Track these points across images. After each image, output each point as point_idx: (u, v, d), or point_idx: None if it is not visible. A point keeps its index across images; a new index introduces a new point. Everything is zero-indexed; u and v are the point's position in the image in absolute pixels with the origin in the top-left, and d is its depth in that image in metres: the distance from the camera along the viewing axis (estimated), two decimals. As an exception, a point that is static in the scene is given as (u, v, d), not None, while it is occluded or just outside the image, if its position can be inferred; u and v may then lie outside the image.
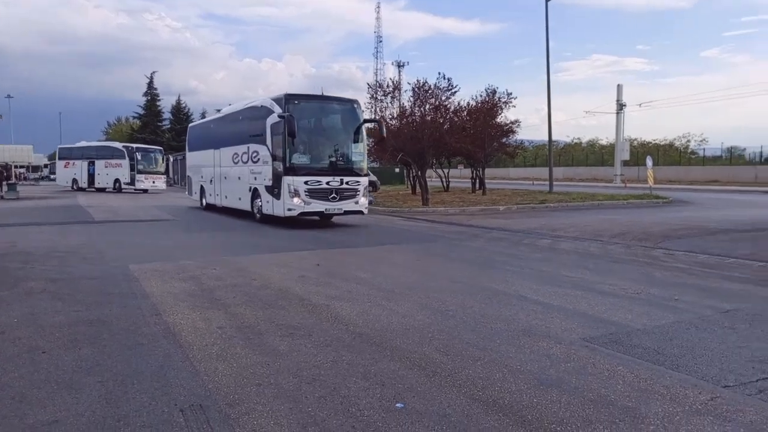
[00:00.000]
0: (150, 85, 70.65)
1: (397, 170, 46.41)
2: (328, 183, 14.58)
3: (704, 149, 58.77)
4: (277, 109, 14.66)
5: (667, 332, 5.31)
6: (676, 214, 19.20)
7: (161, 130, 71.52)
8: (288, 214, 14.51)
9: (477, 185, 30.83)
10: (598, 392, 3.85)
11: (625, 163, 48.62)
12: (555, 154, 36.74)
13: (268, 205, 15.34)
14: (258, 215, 16.26)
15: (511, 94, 27.72)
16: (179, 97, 74.05)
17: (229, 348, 4.79)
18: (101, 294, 6.85)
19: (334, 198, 14.62)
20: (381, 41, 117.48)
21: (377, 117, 27.58)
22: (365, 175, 15.64)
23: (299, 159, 14.59)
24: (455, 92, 23.82)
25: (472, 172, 31.97)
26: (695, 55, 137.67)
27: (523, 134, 31.05)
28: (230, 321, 5.65)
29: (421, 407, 3.62)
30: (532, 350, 4.77)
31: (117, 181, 37.87)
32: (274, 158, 14.88)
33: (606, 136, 69.98)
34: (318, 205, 14.54)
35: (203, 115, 79.41)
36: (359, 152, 15.49)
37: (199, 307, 6.23)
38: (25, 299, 6.55)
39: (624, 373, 4.21)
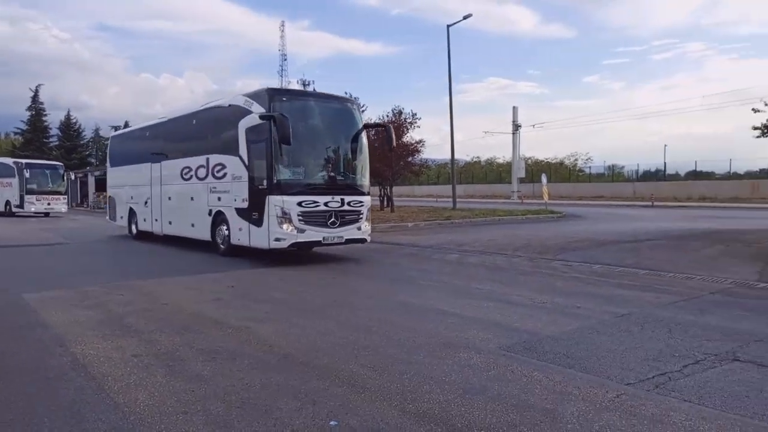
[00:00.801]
0: (35, 98, 65.66)
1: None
2: (326, 204, 11.28)
3: (590, 167, 63.68)
4: (257, 109, 11.27)
5: (573, 337, 5.72)
6: (569, 227, 20.61)
7: (48, 147, 66.44)
8: (275, 245, 11.02)
9: (385, 203, 31.35)
10: (519, 397, 4.09)
11: (522, 180, 51.50)
12: (457, 172, 38.24)
13: (242, 233, 11.79)
14: (223, 246, 12.62)
15: (416, 114, 28.67)
16: (69, 112, 69.01)
17: (148, 377, 4.59)
18: (-6, 327, 6.29)
19: (333, 223, 11.36)
20: (285, 59, 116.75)
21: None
22: (368, 194, 12.60)
23: (291, 174, 11.22)
24: (363, 111, 24.26)
25: (380, 190, 32.47)
26: (579, 80, 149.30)
27: (426, 153, 31.95)
28: (146, 348, 5.40)
29: (355, 423, 3.67)
30: (454, 361, 4.96)
31: (8, 203, 33.25)
32: (252, 173, 11.50)
33: (503, 155, 73.80)
34: (314, 233, 11.19)
35: (97, 132, 74.85)
36: (362, 164, 12.41)
37: (110, 335, 5.89)
38: None
39: (540, 378, 4.50)
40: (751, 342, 5.47)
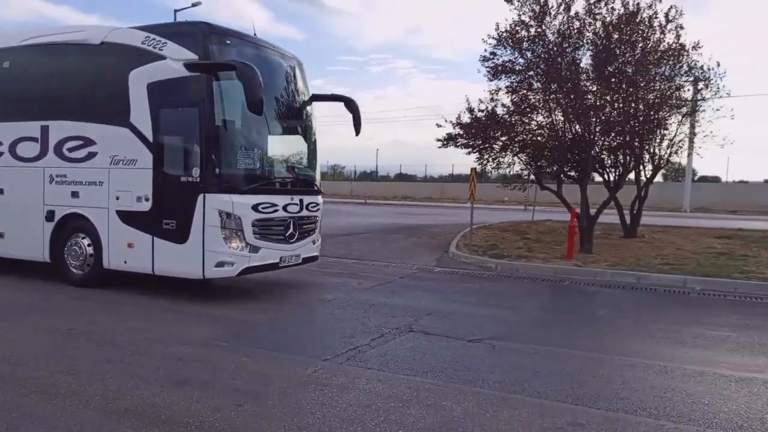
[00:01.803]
0: None
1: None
2: (285, 208, 7.61)
3: (313, 166, 67.16)
4: (178, 53, 7.09)
5: (281, 324, 6.19)
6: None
7: None
8: (216, 274, 7.02)
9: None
10: (226, 383, 4.31)
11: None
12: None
13: (135, 252, 7.35)
14: (78, 272, 7.92)
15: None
16: None
17: None
18: None
19: (291, 236, 7.71)
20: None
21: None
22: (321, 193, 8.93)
23: (244, 161, 7.32)
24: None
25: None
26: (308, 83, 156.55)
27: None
28: None
29: None
30: (163, 356, 4.94)
31: None
32: (165, 156, 7.24)
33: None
34: (272, 252, 7.41)
35: None
36: (315, 151, 8.78)
37: None
38: None
39: (248, 363, 4.80)
40: (423, 316, 6.66)
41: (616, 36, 11.74)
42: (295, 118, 8.41)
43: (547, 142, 12.58)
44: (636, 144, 12.74)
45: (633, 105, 12.18)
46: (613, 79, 11.81)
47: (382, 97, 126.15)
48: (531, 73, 12.52)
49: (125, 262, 7.47)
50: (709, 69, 12.91)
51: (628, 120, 11.88)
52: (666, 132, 13.76)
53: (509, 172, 14.46)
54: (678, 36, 12.31)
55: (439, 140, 13.53)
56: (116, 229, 7.48)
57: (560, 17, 12.01)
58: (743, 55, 74.58)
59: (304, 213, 7.99)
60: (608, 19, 11.78)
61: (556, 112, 12.52)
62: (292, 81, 8.35)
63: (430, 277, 9.77)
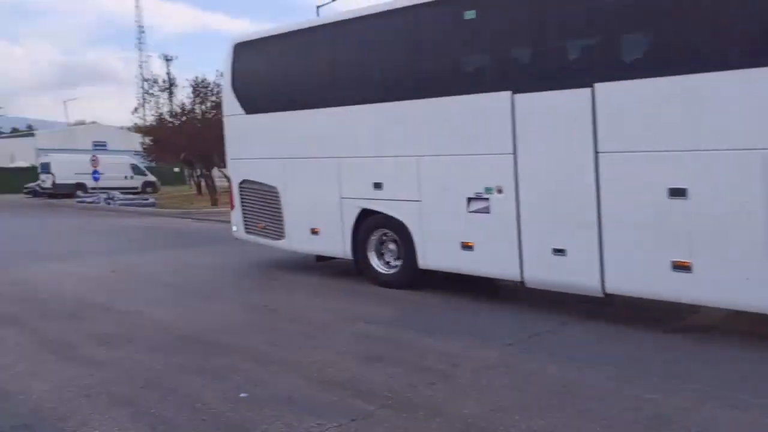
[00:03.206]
0: None
1: (176, 169, 43.86)
2: None
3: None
4: None
5: (453, 305, 6.27)
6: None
7: None
8: None
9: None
10: (415, 362, 4.47)
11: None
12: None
13: None
14: None
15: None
16: None
17: (37, 364, 4.40)
18: None
19: None
20: (143, 32, 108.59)
21: (154, 113, 26.00)
22: None
23: None
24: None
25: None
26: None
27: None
28: (29, 337, 5.12)
29: (265, 394, 3.84)
30: (353, 333, 5.26)
31: None
32: None
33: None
34: None
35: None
36: None
37: (-18, 325, 5.47)
38: None
39: (432, 343, 4.93)
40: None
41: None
42: None
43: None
44: None
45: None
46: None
47: None
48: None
49: None
50: None
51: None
52: None
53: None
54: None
55: None
56: None
57: None
58: None
59: None
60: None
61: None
62: None
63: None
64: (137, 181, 32.05)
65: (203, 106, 22.36)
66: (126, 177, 31.46)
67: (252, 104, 7.95)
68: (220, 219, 17.66)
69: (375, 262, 7.03)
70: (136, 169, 32.74)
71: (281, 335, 5.21)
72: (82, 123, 60.75)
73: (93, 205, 23.26)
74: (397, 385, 3.97)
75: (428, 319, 5.74)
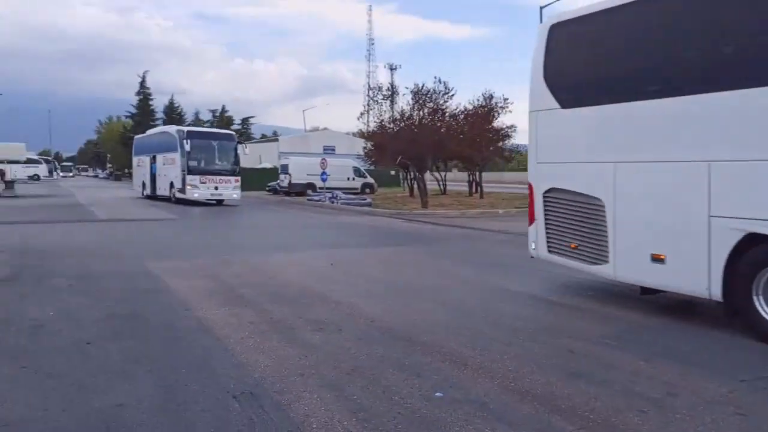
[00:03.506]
0: (142, 84, 70.75)
1: (392, 173, 46.67)
2: None
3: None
4: None
5: (673, 329, 5.56)
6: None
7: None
8: None
9: (474, 189, 31.13)
10: (623, 384, 4.08)
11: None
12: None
13: None
14: None
15: (507, 99, 28.11)
16: (172, 96, 73.86)
17: (265, 341, 4.99)
18: (126, 290, 7.02)
19: None
20: (373, 44, 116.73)
21: (376, 119, 27.98)
22: None
23: None
24: (452, 95, 24.23)
25: (469, 176, 32.26)
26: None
27: (517, 138, 31.07)
28: (260, 317, 5.84)
29: (460, 396, 3.84)
30: (554, 346, 5.00)
31: (172, 185, 25.16)
32: None
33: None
34: None
35: (197, 116, 79.19)
36: None
37: (225, 303, 6.42)
38: (53, 295, 6.71)
39: (645, 368, 4.45)
40: None
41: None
42: None
43: None
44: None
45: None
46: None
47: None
48: None
49: None
50: None
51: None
52: None
53: None
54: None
55: None
56: None
57: None
58: None
59: None
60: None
61: None
62: None
63: None
64: (357, 183, 34.82)
65: (421, 112, 23.39)
66: (348, 178, 34.39)
67: (571, 96, 6.56)
68: (429, 221, 18.32)
69: (765, 309, 5.06)
70: (357, 172, 35.59)
71: (481, 339, 5.16)
72: (315, 129, 68.17)
73: (319, 202, 25.85)
74: (601, 407, 3.65)
75: (645, 341, 5.20)
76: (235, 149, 25.02)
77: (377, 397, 3.80)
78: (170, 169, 25.15)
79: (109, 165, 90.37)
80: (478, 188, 30.19)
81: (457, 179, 42.78)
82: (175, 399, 3.69)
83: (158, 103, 74.05)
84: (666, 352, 4.85)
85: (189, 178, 23.34)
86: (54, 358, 4.47)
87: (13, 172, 41.67)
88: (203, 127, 54.94)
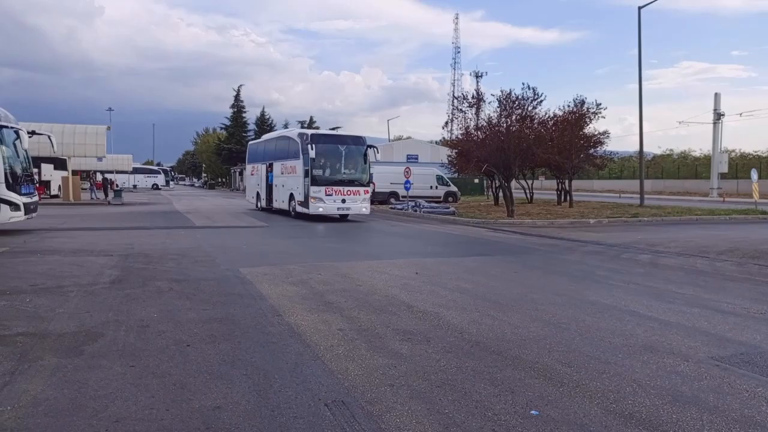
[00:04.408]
0: (237, 97, 74.30)
1: (476, 181, 46.11)
2: None
3: (814, 162, 54.37)
4: None
5: (803, 355, 5.03)
6: (786, 231, 17.92)
7: (246, 140, 74.62)
8: None
9: (563, 197, 30.08)
10: (740, 412, 3.74)
11: (723, 176, 45.79)
12: (644, 166, 35.13)
13: None
14: None
15: (600, 104, 26.99)
16: (263, 108, 77.01)
17: (353, 349, 5.02)
18: (222, 294, 7.32)
19: None
20: (459, 52, 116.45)
21: (461, 127, 27.75)
22: None
23: None
24: (541, 102, 23.53)
25: (558, 184, 31.23)
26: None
27: (608, 145, 29.61)
28: (348, 324, 5.89)
29: (557, 415, 3.66)
30: (658, 366, 4.67)
31: (291, 197, 21.95)
32: None
33: (699, 148, 65.88)
34: None
35: (286, 126, 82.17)
36: None
37: (315, 309, 6.54)
38: (156, 297, 7.12)
39: (765, 394, 4.06)
40: None
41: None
42: None
43: None
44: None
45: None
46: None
47: None
48: None
49: None
50: None
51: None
52: None
53: None
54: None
55: None
56: None
57: None
58: None
59: None
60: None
61: None
62: None
63: None
64: (441, 191, 34.66)
65: (509, 120, 22.94)
66: (431, 187, 34.32)
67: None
68: (515, 230, 17.87)
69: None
70: (440, 180, 35.44)
71: (576, 355, 4.93)
72: (399, 138, 68.71)
73: (402, 211, 25.91)
74: (714, 437, 3.36)
75: (760, 364, 4.75)
76: (365, 155, 21.43)
77: (470, 412, 3.70)
78: (290, 179, 22.25)
79: (204, 174, 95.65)
80: (567, 197, 29.13)
81: (544, 188, 41.61)
82: (268, 403, 3.77)
83: (251, 115, 77.62)
84: (789, 379, 4.39)
85: (313, 189, 20.10)
86: (158, 357, 4.72)
87: (136, 180, 45.61)
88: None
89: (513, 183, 25.52)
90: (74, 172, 34.45)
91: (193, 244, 13.21)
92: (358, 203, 20.80)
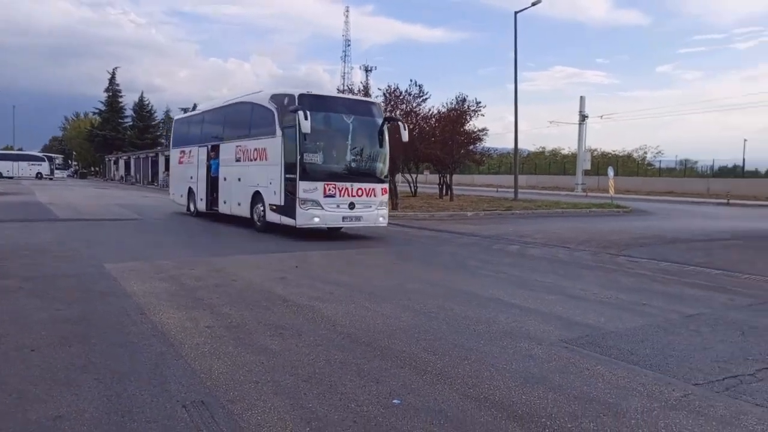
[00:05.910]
0: (112, 80, 69.46)
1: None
2: None
3: (660, 161, 60.86)
4: None
5: (638, 334, 5.61)
6: (636, 223, 19.93)
7: (122, 127, 69.89)
8: None
9: (444, 191, 31.25)
10: (581, 389, 4.08)
11: (587, 173, 49.98)
12: (519, 162, 37.46)
13: None
14: None
15: (480, 102, 28.29)
16: (142, 93, 72.65)
17: (220, 347, 4.85)
18: (80, 292, 6.78)
19: None
20: (349, 45, 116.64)
21: None
22: None
23: None
24: (426, 99, 24.30)
25: (440, 178, 32.39)
26: (651, 70, 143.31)
27: (488, 142, 31.36)
28: (217, 321, 5.69)
29: (417, 403, 3.78)
30: (515, 350, 4.98)
31: (256, 199, 14.14)
32: None
33: (568, 146, 71.38)
34: None
35: (167, 114, 77.64)
36: None
37: (184, 306, 6.24)
38: (1, 297, 6.43)
39: (603, 372, 4.47)
40: (832, 350, 5.19)
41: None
42: None
43: None
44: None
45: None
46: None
47: (750, 78, 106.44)
48: None
49: None
50: None
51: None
52: None
53: None
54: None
55: None
56: None
57: None
58: None
59: None
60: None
61: None
62: None
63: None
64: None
65: (393, 114, 23.42)
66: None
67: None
68: (398, 223, 18.28)
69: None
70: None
71: (442, 344, 5.12)
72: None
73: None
74: (557, 413, 3.64)
75: (607, 344, 5.23)
76: (381, 131, 13.57)
77: (333, 405, 3.71)
78: (254, 169, 14.36)
79: (74, 163, 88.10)
80: (449, 191, 30.32)
81: (428, 181, 43.02)
82: (119, 409, 3.53)
83: (128, 100, 72.66)
84: (621, 356, 4.88)
85: (304, 187, 12.30)
86: (-6, 365, 4.26)
87: (19, 169, 40.80)
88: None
89: (399, 177, 26.11)
90: None
91: (52, 237, 12.12)
92: (373, 209, 13.15)
